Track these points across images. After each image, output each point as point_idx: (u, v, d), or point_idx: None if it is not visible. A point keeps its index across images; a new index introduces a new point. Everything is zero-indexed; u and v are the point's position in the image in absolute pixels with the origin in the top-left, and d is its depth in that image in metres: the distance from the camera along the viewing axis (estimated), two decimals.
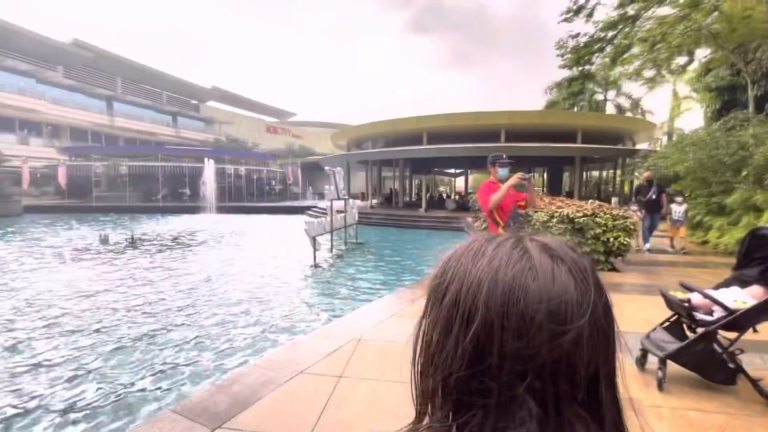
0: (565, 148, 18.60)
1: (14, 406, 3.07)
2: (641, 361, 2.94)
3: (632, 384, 2.71)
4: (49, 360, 3.91)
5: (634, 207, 8.37)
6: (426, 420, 0.38)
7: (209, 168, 18.95)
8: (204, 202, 19.89)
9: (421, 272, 7.90)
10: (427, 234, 14.26)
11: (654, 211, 8.04)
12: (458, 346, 0.34)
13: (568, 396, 0.33)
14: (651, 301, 4.60)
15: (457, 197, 24.46)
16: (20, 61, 38.33)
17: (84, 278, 7.22)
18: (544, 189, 25.21)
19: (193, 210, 20.98)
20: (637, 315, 4.03)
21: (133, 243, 11.04)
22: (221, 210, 21.15)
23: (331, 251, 9.83)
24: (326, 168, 11.81)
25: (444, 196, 26.35)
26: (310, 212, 19.94)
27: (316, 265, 8.42)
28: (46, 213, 21.32)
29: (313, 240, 8.87)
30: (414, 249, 10.97)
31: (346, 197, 11.58)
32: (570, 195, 18.26)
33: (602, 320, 0.35)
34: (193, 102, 60.12)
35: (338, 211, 11.49)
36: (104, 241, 11.03)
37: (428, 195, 22.13)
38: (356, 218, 12.21)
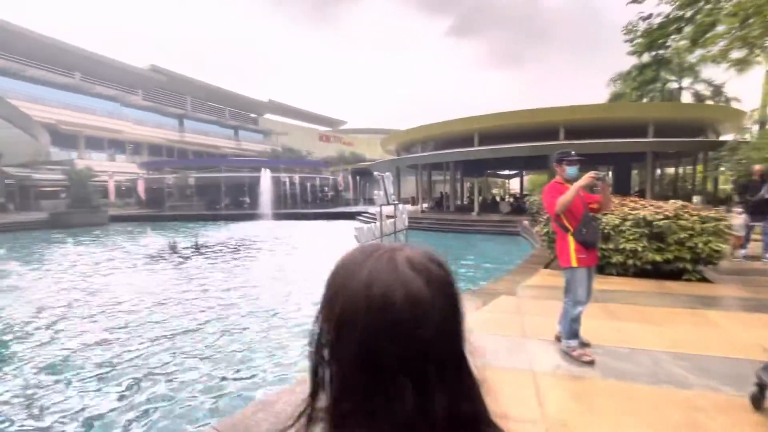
0: (635, 143, 16.93)
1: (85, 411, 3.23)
2: (757, 398, 2.38)
3: (744, 427, 2.19)
4: (103, 357, 4.14)
5: (738, 209, 7.13)
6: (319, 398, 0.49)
7: (265, 177, 19.89)
8: (261, 209, 20.92)
9: (475, 280, 7.47)
10: (480, 239, 13.68)
11: None
12: (347, 343, 0.44)
13: (431, 376, 0.44)
14: (762, 320, 3.85)
15: (511, 200, 23.33)
16: (107, 87, 43.28)
17: (153, 282, 7.76)
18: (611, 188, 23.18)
19: (251, 217, 22.14)
20: (743, 337, 3.36)
21: (197, 249, 11.77)
22: (277, 217, 22.07)
23: None
24: (375, 173, 11.76)
25: (497, 198, 25.31)
26: (361, 218, 20.12)
27: None
28: (128, 221, 23.70)
29: None
30: (467, 255, 10.49)
31: (396, 202, 11.42)
32: (641, 194, 16.56)
33: (451, 320, 0.47)
34: (252, 115, 63.97)
35: (388, 217, 11.39)
36: (173, 247, 11.87)
37: (480, 198, 21.32)
38: (406, 223, 11.98)
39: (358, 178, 36.63)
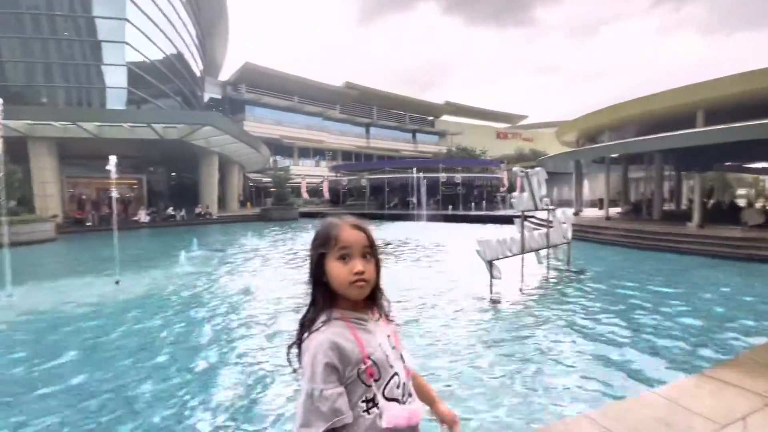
0: None
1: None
2: None
3: None
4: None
5: None
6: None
7: (422, 178, 19.43)
8: (421, 210, 20.61)
9: (725, 344, 4.43)
10: (703, 265, 9.05)
11: None
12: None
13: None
14: None
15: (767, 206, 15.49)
16: (314, 105, 52.26)
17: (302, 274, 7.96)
18: None
19: (407, 218, 22.12)
20: None
21: None
22: (432, 218, 21.33)
23: (522, 281, 7.34)
24: (514, 169, 9.24)
25: (739, 203, 17.37)
26: (527, 222, 17.08)
27: (493, 301, 6.29)
28: (312, 218, 27.61)
29: (490, 265, 6.77)
30: (685, 296, 6.42)
31: (551, 206, 8.65)
32: None
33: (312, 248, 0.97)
34: (429, 118, 66.01)
35: (548, 225, 8.77)
36: None
37: (708, 202, 14.94)
38: (569, 235, 9.02)
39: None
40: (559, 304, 6.14)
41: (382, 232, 17.10)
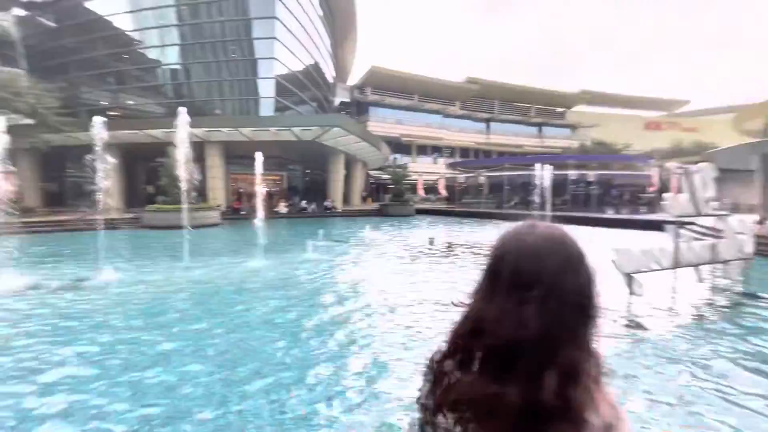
0: None
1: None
2: None
3: None
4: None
5: None
6: None
7: (547, 175, 17.67)
8: (541, 210, 18.81)
9: None
10: None
11: None
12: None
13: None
14: None
15: None
16: (434, 103, 52.47)
17: (399, 270, 8.26)
18: None
19: (528, 218, 20.31)
20: None
21: (449, 248, 11.85)
22: (557, 221, 19.11)
23: (673, 302, 6.00)
24: (669, 165, 7.57)
25: None
26: (682, 230, 14.04)
27: (633, 324, 5.24)
28: (427, 214, 27.87)
29: (629, 279, 5.74)
30: None
31: (722, 212, 6.84)
32: None
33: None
34: (559, 110, 59.86)
35: (716, 235, 7.08)
36: (431, 242, 12.54)
37: None
38: (747, 250, 7.06)
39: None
40: (721, 337, 4.82)
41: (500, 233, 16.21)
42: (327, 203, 27.71)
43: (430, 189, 38.40)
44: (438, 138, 52.08)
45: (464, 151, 54.69)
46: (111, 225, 17.58)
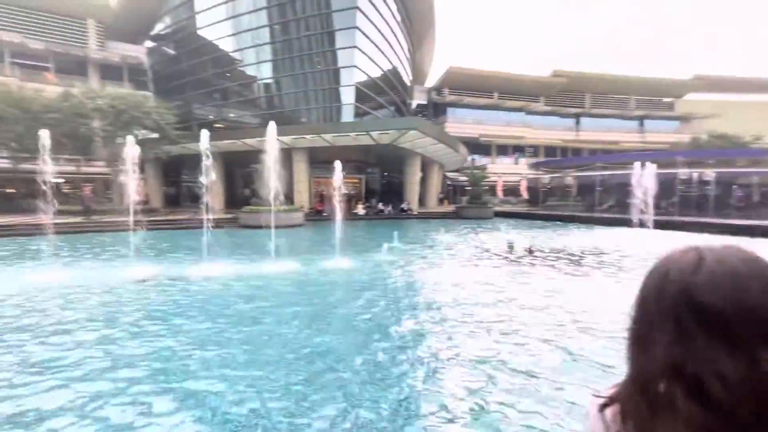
0: None
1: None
2: None
3: None
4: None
5: None
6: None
7: (646, 174, 15.58)
8: (642, 214, 16.61)
9: None
10: None
11: None
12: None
13: None
14: None
15: None
16: (515, 100, 49.92)
17: (477, 277, 8.08)
18: None
19: (625, 223, 18.12)
20: None
21: (531, 252, 11.14)
22: (663, 226, 16.72)
23: None
24: None
25: None
26: None
27: None
28: (507, 217, 26.56)
29: None
30: None
31: None
32: None
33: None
34: (666, 100, 52.70)
35: None
36: (510, 247, 11.91)
37: None
38: None
39: None
40: None
41: (594, 239, 14.82)
42: (403, 205, 28.03)
43: (511, 191, 36.58)
44: (519, 137, 49.41)
45: (549, 150, 51.07)
46: (214, 224, 19.88)
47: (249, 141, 24.91)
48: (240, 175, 32.66)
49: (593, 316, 5.52)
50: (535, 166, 41.29)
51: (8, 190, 29.35)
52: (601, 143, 49.98)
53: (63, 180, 31.35)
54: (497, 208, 27.77)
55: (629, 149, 46.66)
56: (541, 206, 28.51)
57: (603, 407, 0.63)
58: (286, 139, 25.11)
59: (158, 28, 36.72)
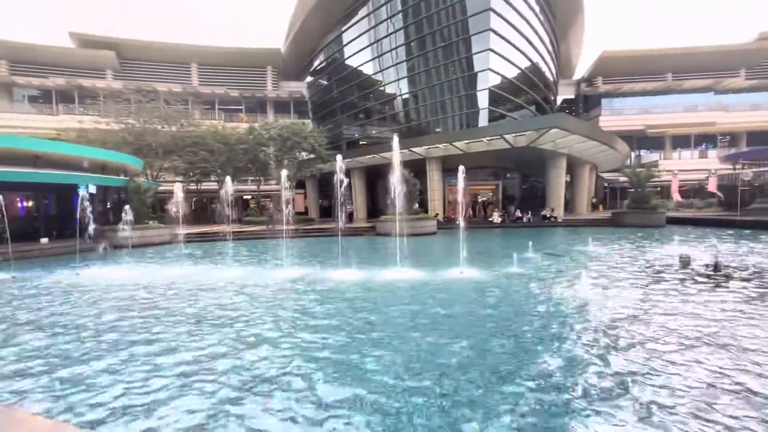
0: None
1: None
2: None
3: None
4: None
5: None
6: None
7: None
8: None
9: None
10: None
11: None
12: None
13: None
14: None
15: None
16: (698, 79, 40.16)
17: (633, 300, 6.86)
18: None
19: None
20: None
21: (717, 270, 8.67)
22: None
23: None
24: None
25: None
26: None
27: None
28: (686, 224, 21.26)
29: None
30: None
31: None
32: None
33: None
34: None
35: None
36: (685, 263, 9.53)
37: None
38: None
39: None
40: None
41: None
42: (545, 212, 25.51)
43: (695, 191, 29.32)
44: (707, 123, 39.35)
45: (753, 137, 39.19)
46: (356, 232, 21.91)
47: (386, 154, 26.69)
48: (381, 186, 35.25)
49: None
50: (731, 158, 32.12)
51: (211, 206, 38.61)
52: None
53: (250, 197, 39.57)
54: (672, 214, 22.57)
55: None
56: (743, 210, 21.88)
57: None
58: (419, 149, 26.00)
59: (315, 64, 43.01)
